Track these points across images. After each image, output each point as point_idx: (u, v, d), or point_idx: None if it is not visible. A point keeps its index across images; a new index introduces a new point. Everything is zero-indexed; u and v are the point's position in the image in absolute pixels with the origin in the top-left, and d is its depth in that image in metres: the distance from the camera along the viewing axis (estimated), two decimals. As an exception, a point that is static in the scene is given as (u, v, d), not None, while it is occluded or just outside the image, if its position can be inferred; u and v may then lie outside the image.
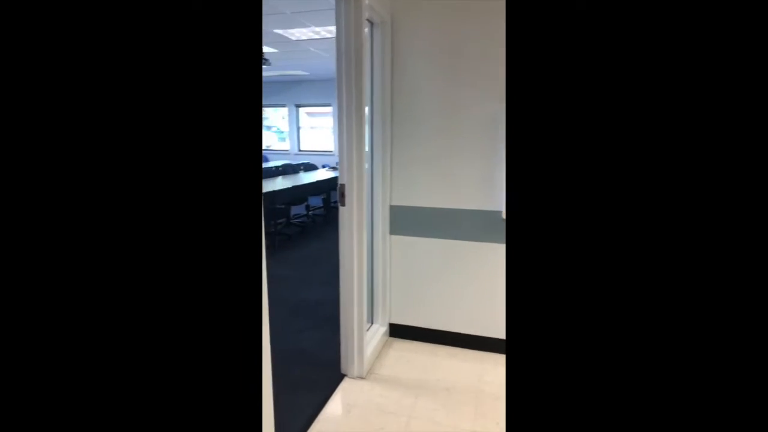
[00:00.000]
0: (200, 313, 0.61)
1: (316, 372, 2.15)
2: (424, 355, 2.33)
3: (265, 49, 5.53)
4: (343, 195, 1.95)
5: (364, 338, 2.11)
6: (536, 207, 0.59)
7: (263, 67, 6.32)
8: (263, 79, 8.57)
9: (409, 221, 2.35)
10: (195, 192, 0.60)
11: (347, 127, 1.87)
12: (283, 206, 5.04)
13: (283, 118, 9.30)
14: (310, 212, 6.04)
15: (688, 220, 0.55)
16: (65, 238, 0.57)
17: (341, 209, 1.96)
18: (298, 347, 2.41)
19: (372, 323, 2.47)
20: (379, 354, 2.32)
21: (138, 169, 0.58)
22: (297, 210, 5.89)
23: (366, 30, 1.99)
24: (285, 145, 9.44)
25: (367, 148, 2.16)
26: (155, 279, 0.59)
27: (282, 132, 9.46)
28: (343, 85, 1.84)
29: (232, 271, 0.62)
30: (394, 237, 2.39)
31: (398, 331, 2.49)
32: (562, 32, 0.57)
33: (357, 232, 1.99)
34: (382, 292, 2.43)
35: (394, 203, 2.35)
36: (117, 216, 0.58)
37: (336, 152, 8.37)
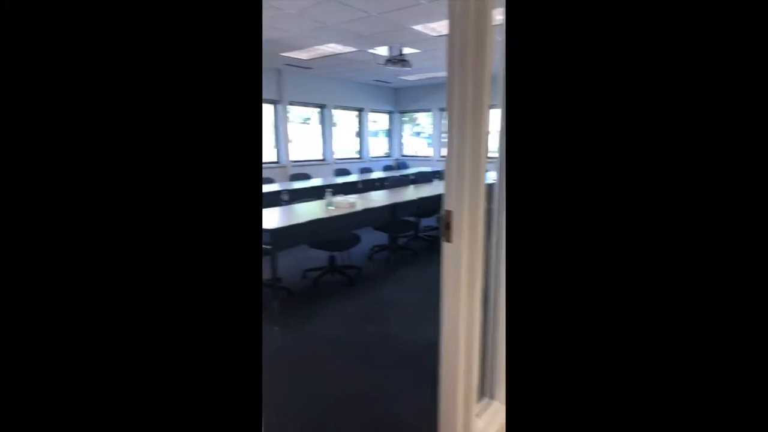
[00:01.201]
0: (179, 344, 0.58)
1: (405, 456, 1.63)
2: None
3: (406, 50, 5.23)
4: (448, 227, 1.39)
5: (472, 425, 1.51)
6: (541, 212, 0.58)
7: (404, 69, 6.06)
8: (407, 84, 8.39)
9: (550, 264, 1.65)
10: (187, 200, 0.57)
11: (458, 133, 1.31)
12: (413, 218, 4.65)
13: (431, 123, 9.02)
14: (444, 225, 5.53)
15: (704, 242, 0.52)
16: (50, 245, 0.55)
17: (445, 246, 1.41)
18: (390, 413, 1.92)
19: (491, 398, 1.83)
20: (496, 444, 1.68)
21: (130, 172, 0.56)
22: (428, 222, 5.44)
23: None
24: (430, 152, 9.14)
25: (495, 153, 1.56)
26: (135, 288, 0.57)
27: (429, 137, 9.19)
28: (455, 72, 1.28)
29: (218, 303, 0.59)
30: (527, 284, 1.71)
31: (526, 413, 1.80)
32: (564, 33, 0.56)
33: (467, 278, 1.41)
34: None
35: (530, 237, 1.68)
36: (113, 217, 0.56)
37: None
